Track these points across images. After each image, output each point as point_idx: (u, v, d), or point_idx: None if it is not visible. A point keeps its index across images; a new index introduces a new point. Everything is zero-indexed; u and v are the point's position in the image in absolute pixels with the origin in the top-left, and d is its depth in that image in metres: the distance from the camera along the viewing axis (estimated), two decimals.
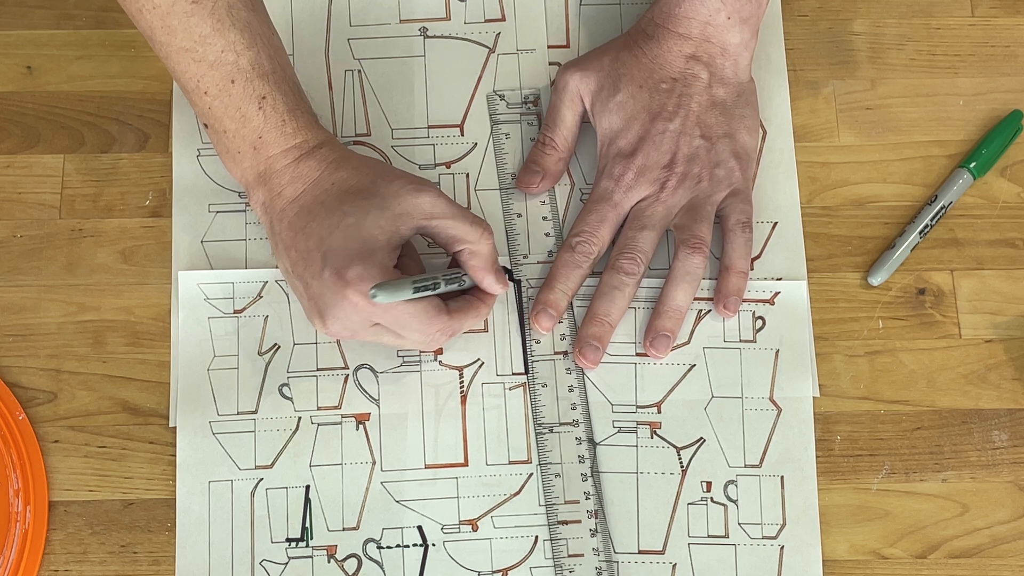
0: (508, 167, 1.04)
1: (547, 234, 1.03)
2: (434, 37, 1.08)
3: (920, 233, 1.02)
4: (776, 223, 1.03)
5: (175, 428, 0.97)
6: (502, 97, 1.06)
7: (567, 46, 1.08)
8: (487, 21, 1.09)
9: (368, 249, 0.90)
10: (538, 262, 1.02)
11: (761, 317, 1.01)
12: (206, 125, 0.95)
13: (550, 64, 1.07)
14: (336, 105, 1.06)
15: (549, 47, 1.08)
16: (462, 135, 1.06)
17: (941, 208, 1.02)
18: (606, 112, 1.01)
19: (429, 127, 1.06)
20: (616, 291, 0.98)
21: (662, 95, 1.00)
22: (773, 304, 1.01)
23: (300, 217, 0.93)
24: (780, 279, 1.01)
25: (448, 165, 1.05)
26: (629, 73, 1.01)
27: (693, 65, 1.00)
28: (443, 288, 0.93)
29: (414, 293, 0.90)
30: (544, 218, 1.03)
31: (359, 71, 1.07)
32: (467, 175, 1.05)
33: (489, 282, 0.95)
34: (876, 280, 1.01)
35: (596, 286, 0.99)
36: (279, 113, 0.93)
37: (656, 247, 0.99)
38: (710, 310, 1.00)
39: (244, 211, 1.03)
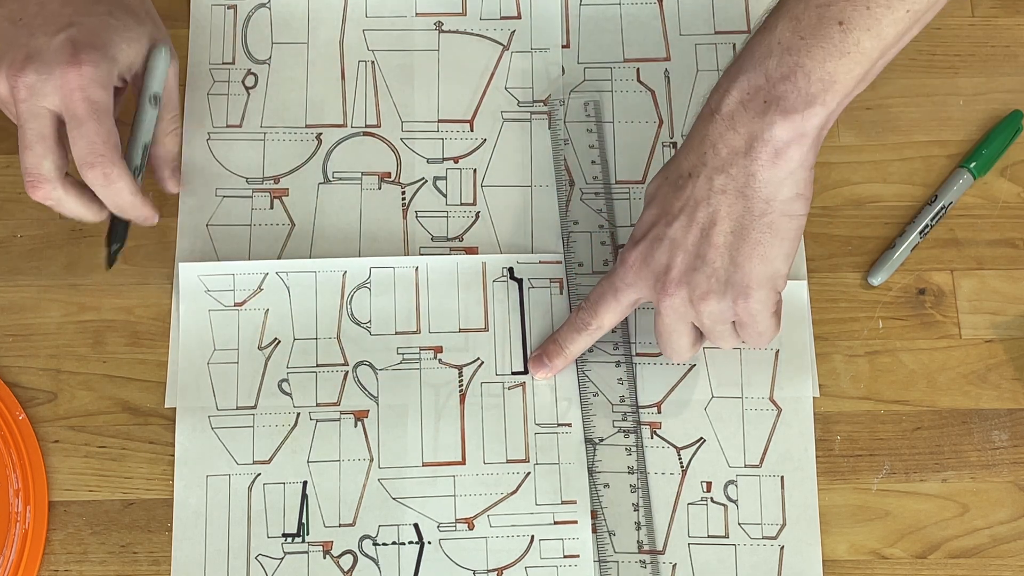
0: (564, 176, 1.04)
1: (603, 243, 1.03)
2: (449, 32, 1.08)
3: (920, 233, 1.02)
4: None
5: (175, 429, 0.97)
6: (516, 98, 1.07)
7: (567, 46, 1.08)
8: (503, 18, 1.09)
9: (113, 55, 0.91)
10: (593, 272, 1.02)
11: None
12: None
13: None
14: (348, 95, 1.06)
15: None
16: (471, 131, 1.06)
17: (941, 208, 1.02)
18: (645, 194, 0.93)
19: (439, 121, 1.06)
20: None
21: (673, 192, 0.89)
22: None
23: None
24: None
25: (456, 160, 1.05)
26: (670, 160, 0.91)
27: (711, 159, 0.87)
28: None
29: (150, 104, 0.96)
30: (600, 226, 1.03)
31: (372, 62, 1.07)
32: (474, 171, 1.05)
33: (167, 174, 1.01)
34: (876, 280, 1.01)
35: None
36: None
37: (692, 349, 0.94)
38: None
39: (250, 197, 1.03)
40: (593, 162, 1.04)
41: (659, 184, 0.91)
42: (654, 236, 0.90)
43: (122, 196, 0.93)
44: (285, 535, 0.95)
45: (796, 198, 0.86)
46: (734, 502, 0.97)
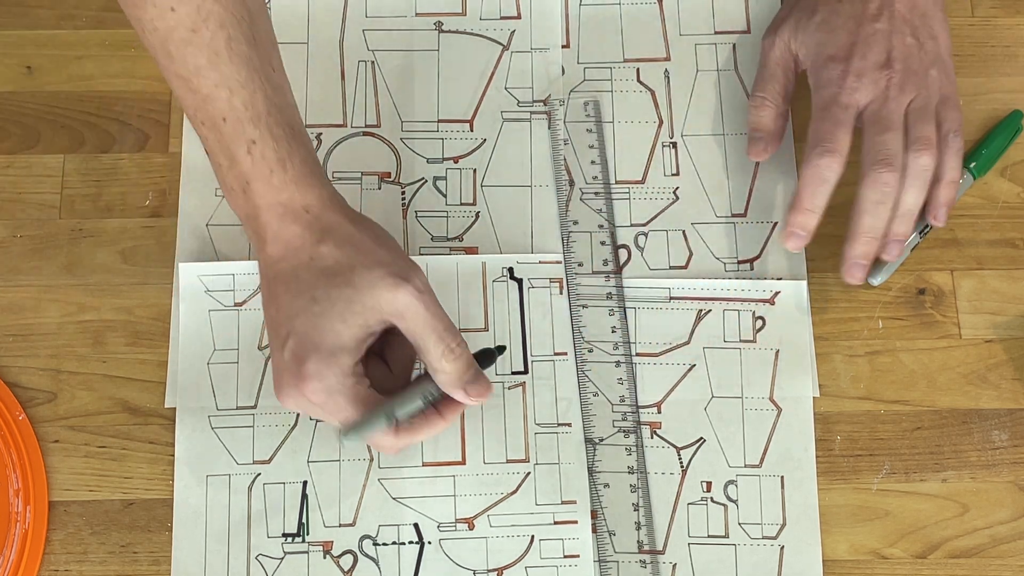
0: (564, 176, 1.04)
1: (603, 243, 1.03)
2: (449, 32, 1.08)
3: (920, 233, 1.02)
4: (776, 223, 1.03)
5: (175, 429, 0.97)
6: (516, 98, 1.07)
7: (567, 46, 1.08)
8: (502, 18, 1.09)
9: (331, 347, 0.86)
10: (593, 271, 1.02)
11: (761, 317, 1.00)
12: (208, 152, 0.91)
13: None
14: (348, 96, 1.06)
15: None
16: (471, 131, 1.06)
17: None
18: (809, 34, 1.01)
19: (439, 121, 1.06)
20: (880, 206, 0.96)
21: (863, 4, 0.99)
22: (773, 304, 1.01)
23: (276, 283, 0.88)
24: (780, 279, 1.01)
25: (456, 160, 1.05)
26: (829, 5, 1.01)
27: None
28: (418, 409, 0.89)
29: (387, 424, 0.88)
30: (600, 226, 1.03)
31: (372, 62, 1.07)
32: (474, 171, 1.05)
33: (460, 396, 0.89)
34: (876, 280, 1.01)
35: (854, 201, 0.97)
36: (267, 161, 0.87)
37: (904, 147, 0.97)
38: (710, 310, 1.00)
39: None
40: (593, 162, 1.04)
41: (830, 11, 1.00)
42: (864, 37, 0.98)
43: (412, 443, 0.90)
44: (285, 535, 0.95)
45: None
46: (734, 502, 0.97)
